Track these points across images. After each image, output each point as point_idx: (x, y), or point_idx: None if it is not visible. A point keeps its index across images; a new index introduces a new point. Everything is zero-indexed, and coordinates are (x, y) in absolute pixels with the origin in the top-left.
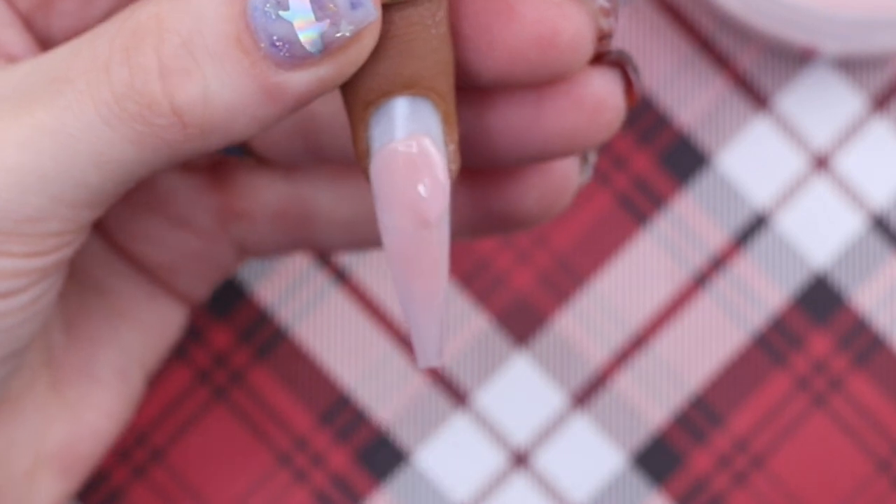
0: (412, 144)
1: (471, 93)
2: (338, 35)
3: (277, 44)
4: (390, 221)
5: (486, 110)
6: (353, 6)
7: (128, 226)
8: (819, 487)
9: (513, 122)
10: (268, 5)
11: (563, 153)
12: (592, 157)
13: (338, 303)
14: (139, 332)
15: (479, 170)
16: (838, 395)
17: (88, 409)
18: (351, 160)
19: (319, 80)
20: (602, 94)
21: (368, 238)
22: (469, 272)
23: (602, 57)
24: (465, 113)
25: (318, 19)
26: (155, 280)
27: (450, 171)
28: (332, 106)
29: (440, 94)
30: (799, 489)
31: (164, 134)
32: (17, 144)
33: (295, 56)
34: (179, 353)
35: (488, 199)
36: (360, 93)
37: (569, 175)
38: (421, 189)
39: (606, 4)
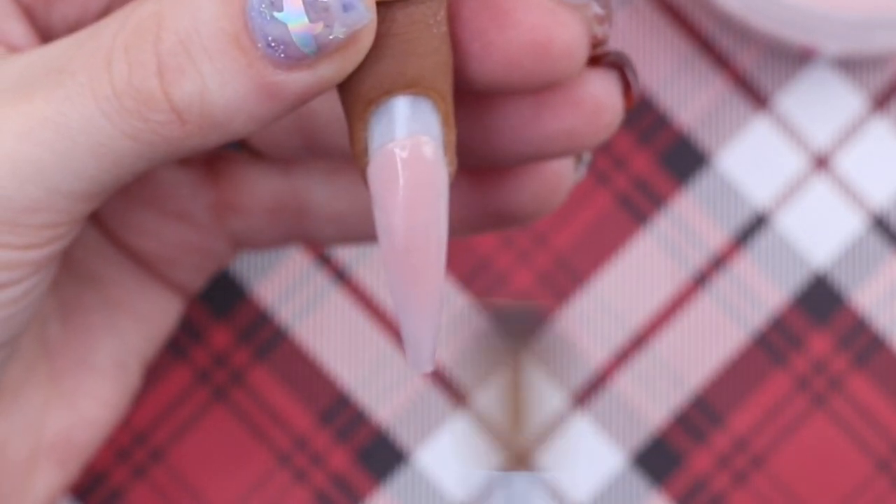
0: (412, 144)
1: (470, 94)
2: (331, 37)
3: (273, 45)
4: (387, 222)
5: (484, 111)
6: (346, 8)
7: (124, 218)
8: (819, 487)
9: (511, 123)
10: (263, 6)
11: (561, 154)
12: (587, 156)
13: (338, 303)
14: (136, 323)
15: (476, 168)
16: (838, 395)
17: (86, 399)
18: (348, 156)
19: (317, 80)
20: (600, 96)
21: (363, 232)
22: (469, 272)
23: (600, 59)
24: (464, 114)
25: (311, 21)
26: (151, 271)
27: (448, 173)
28: (331, 103)
29: (441, 94)
30: (799, 489)
31: (162, 130)
32: (16, 134)
33: (291, 57)
34: (179, 353)
35: (484, 197)
36: (361, 91)
37: (563, 173)
38: (419, 190)
39: (601, 11)
